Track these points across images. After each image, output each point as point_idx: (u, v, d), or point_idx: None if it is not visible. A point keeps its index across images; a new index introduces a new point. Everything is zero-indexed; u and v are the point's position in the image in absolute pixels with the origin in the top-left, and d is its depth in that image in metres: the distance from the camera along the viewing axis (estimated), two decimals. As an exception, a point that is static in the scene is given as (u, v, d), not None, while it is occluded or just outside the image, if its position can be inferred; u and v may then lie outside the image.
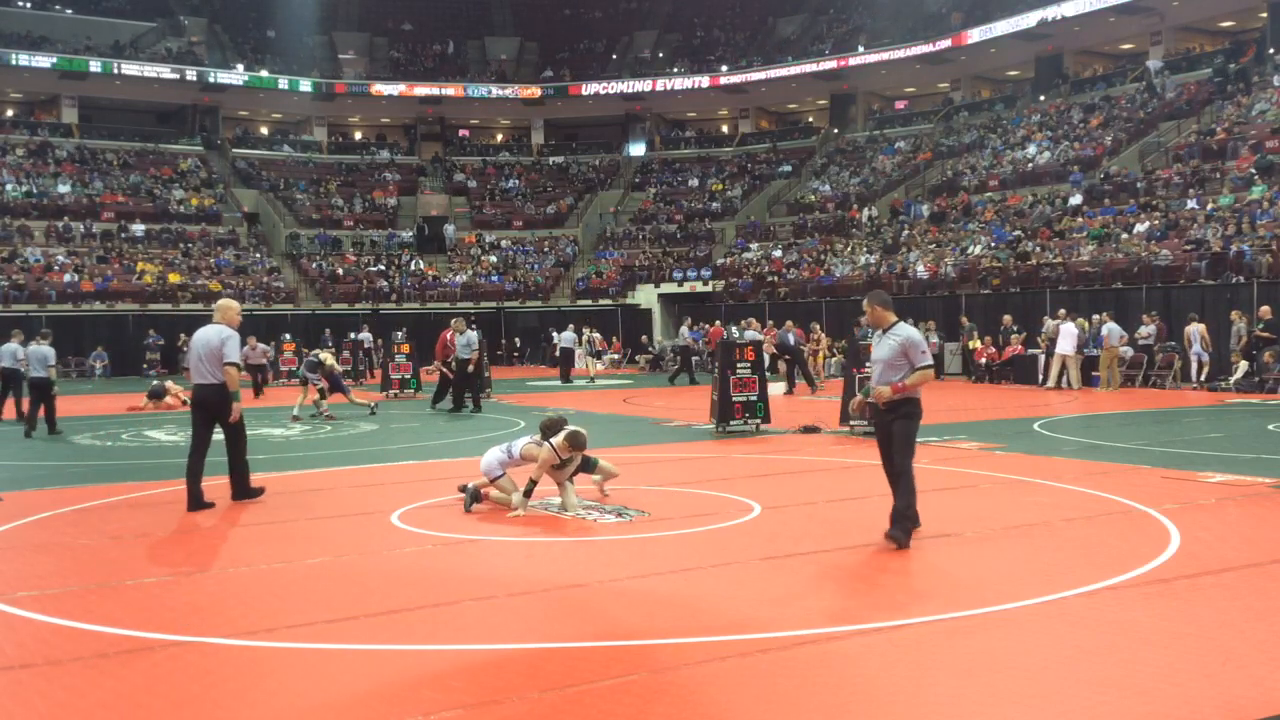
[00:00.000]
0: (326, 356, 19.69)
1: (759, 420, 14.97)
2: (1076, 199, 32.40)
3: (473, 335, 19.51)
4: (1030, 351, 24.57)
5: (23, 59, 43.63)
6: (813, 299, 34.41)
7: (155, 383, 23.10)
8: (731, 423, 14.85)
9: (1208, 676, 4.61)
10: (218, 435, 9.64)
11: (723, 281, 39.57)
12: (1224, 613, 5.58)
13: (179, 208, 43.59)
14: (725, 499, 9.30)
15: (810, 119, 52.90)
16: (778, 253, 40.03)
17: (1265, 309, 21.25)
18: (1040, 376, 23.27)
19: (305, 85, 48.99)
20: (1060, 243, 29.77)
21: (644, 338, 38.66)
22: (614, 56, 53.68)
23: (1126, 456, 11.69)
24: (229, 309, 9.77)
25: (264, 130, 52.43)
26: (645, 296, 41.23)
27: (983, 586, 6.25)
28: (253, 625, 5.64)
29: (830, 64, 46.65)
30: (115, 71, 45.02)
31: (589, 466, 9.49)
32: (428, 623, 5.73)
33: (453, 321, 20.63)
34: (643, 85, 50.31)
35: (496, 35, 55.82)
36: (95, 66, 44.62)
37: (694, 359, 29.48)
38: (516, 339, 41.25)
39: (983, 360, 25.52)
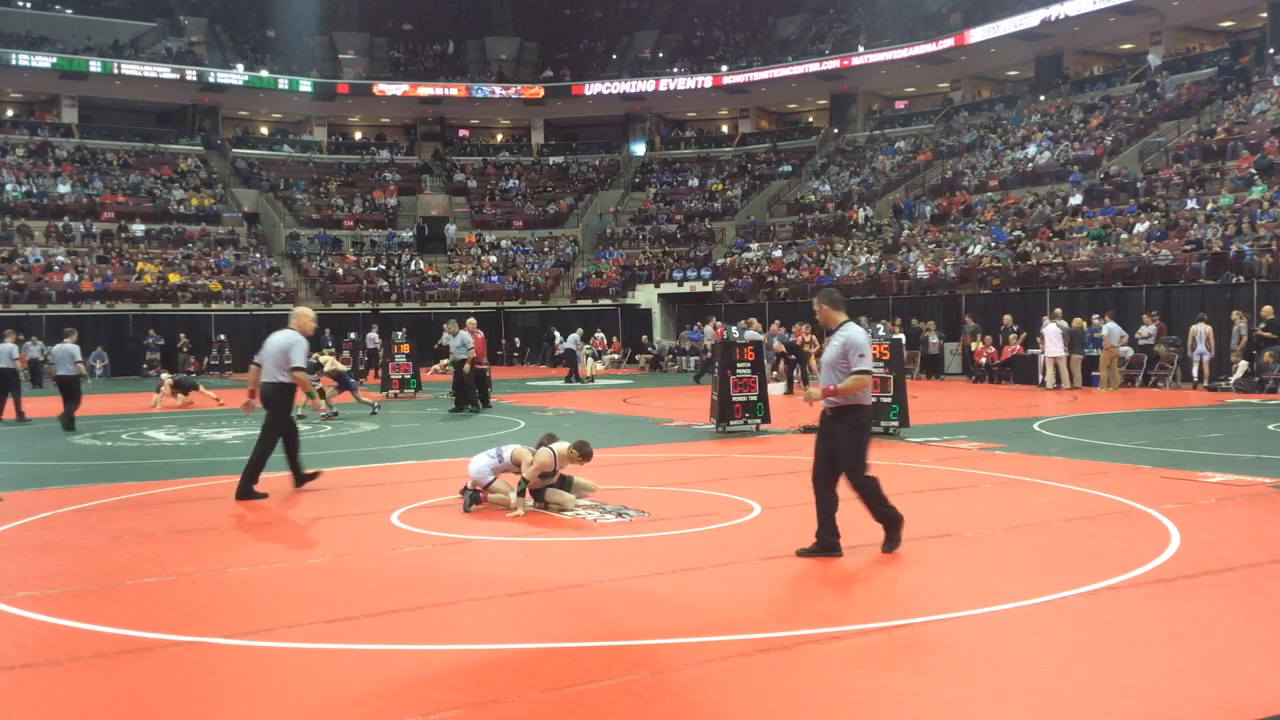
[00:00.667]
0: (327, 358, 19.67)
1: (759, 420, 14.97)
2: (1076, 199, 32.39)
3: (466, 335, 19.51)
4: (1030, 351, 24.58)
5: (23, 59, 43.63)
6: (812, 299, 34.36)
7: (182, 376, 23.23)
8: (731, 423, 14.85)
9: (1208, 676, 4.61)
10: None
11: (723, 281, 39.56)
12: (1224, 613, 5.58)
13: (179, 208, 43.59)
14: (725, 499, 9.30)
15: (810, 119, 52.91)
16: (778, 253, 40.03)
17: (1267, 309, 21.26)
18: (1040, 377, 23.27)
19: (305, 85, 49.00)
20: (1060, 243, 29.77)
21: (644, 338, 38.67)
22: (614, 56, 53.68)
23: (1126, 456, 11.69)
24: (303, 316, 10.30)
25: (264, 130, 52.43)
26: (645, 296, 41.22)
27: (983, 586, 6.25)
28: (253, 625, 5.64)
29: (831, 64, 46.65)
30: (115, 71, 45.02)
31: (565, 486, 9.10)
32: (428, 623, 5.73)
33: (446, 324, 20.66)
34: (646, 85, 50.30)
35: (496, 35, 55.83)
36: (95, 66, 44.63)
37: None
38: (516, 339, 41.25)
39: (983, 360, 25.53)
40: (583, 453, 8.91)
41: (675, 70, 51.08)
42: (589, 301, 41.91)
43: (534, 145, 53.47)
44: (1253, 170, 28.29)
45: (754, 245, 41.68)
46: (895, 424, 14.19)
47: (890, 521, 7.17)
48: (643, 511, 8.76)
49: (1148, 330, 23.01)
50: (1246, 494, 9.20)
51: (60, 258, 38.68)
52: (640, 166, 51.32)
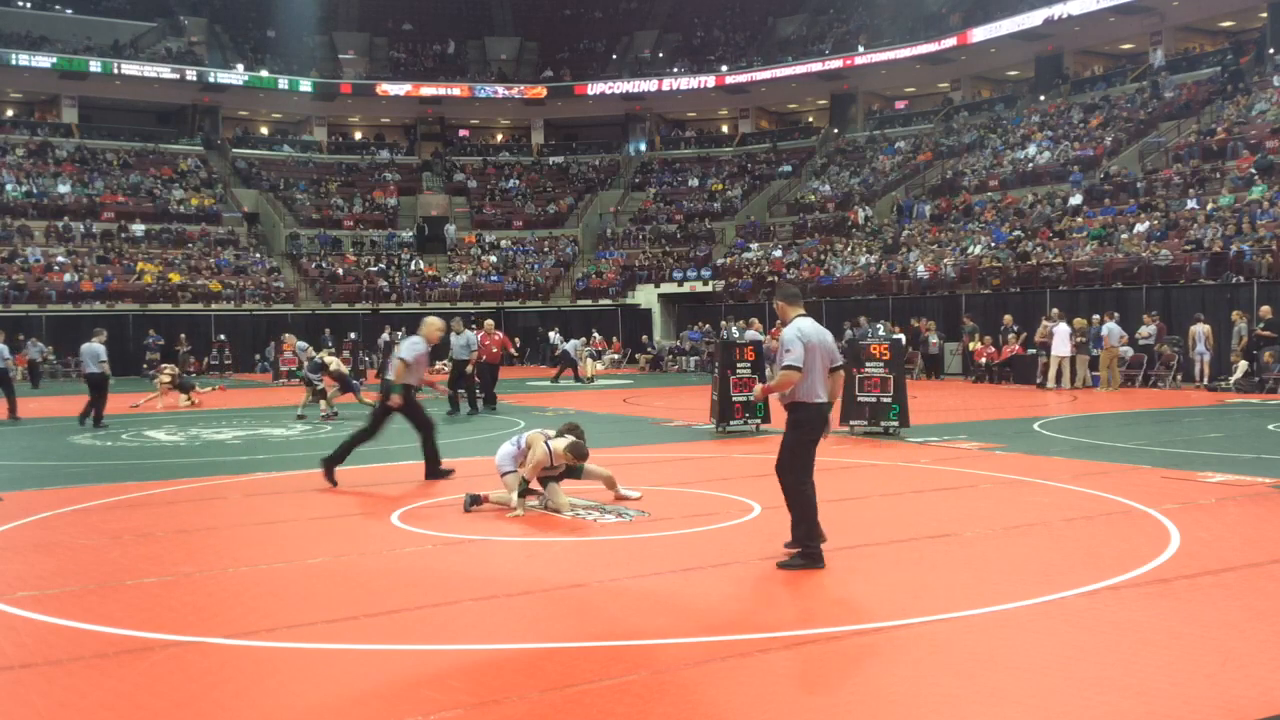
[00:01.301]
0: (331, 359, 19.63)
1: (759, 420, 14.97)
2: (1076, 199, 32.39)
3: (471, 336, 19.46)
4: (1030, 351, 24.58)
5: (23, 59, 43.63)
6: (813, 299, 34.40)
7: (184, 377, 23.41)
8: (731, 423, 14.85)
9: (1208, 676, 4.62)
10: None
11: (723, 281, 39.56)
12: (1224, 613, 5.58)
13: (179, 208, 43.58)
14: (725, 499, 9.30)
15: (810, 119, 52.90)
16: (778, 253, 40.02)
17: (1265, 309, 21.26)
18: (1039, 377, 23.26)
19: (305, 85, 49.00)
20: (1060, 243, 29.78)
21: (644, 338, 38.66)
22: (614, 56, 53.68)
23: (1126, 456, 11.69)
24: (429, 324, 11.14)
25: (264, 130, 52.42)
26: (645, 296, 41.22)
27: (983, 586, 6.25)
28: (253, 625, 5.64)
29: (832, 64, 46.64)
30: (115, 71, 45.01)
31: (576, 472, 9.17)
32: (428, 623, 5.73)
33: (452, 322, 20.58)
34: (648, 85, 50.29)
35: (496, 35, 55.82)
36: (95, 66, 44.63)
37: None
38: (516, 339, 41.22)
39: (982, 360, 25.53)
40: (575, 454, 8.92)
41: (676, 70, 51.08)
42: (589, 301, 41.90)
43: (534, 145, 53.47)
44: (1253, 170, 28.29)
45: (754, 245, 41.68)
46: (895, 424, 14.19)
47: (802, 541, 6.76)
48: (643, 511, 8.76)
49: (1148, 330, 23.01)
50: (1246, 494, 9.20)
51: (60, 258, 38.68)
52: (640, 166, 51.33)
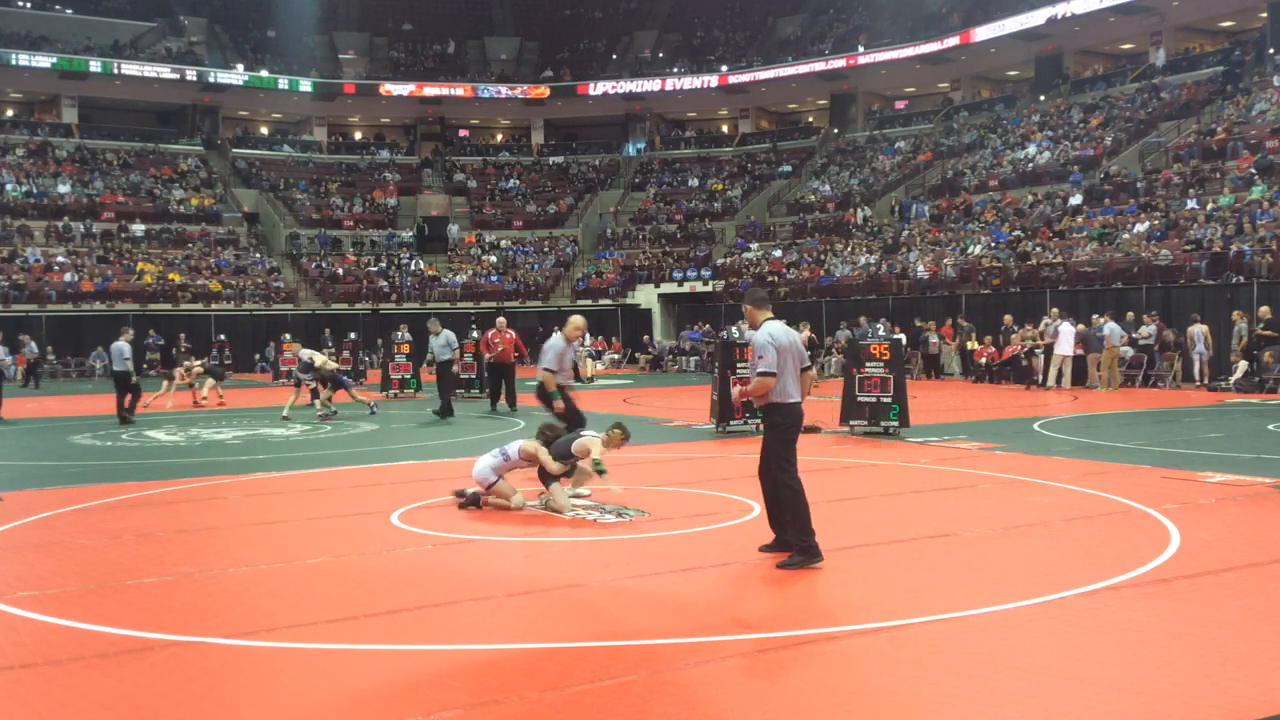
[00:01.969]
0: (319, 358, 19.54)
1: (759, 420, 14.93)
2: (1076, 199, 32.40)
3: (450, 335, 19.03)
4: (1032, 348, 24.54)
5: (23, 59, 43.63)
6: (813, 299, 34.43)
7: (214, 364, 23.89)
8: (731, 423, 14.85)
9: (1208, 676, 4.62)
10: None
11: (723, 281, 39.57)
12: (1224, 613, 5.58)
13: (179, 208, 43.59)
14: (725, 499, 9.30)
15: (810, 119, 52.90)
16: (778, 253, 40.04)
17: (1265, 309, 21.26)
18: (1040, 377, 23.25)
19: (305, 85, 49.01)
20: (1060, 243, 29.78)
21: (644, 337, 38.66)
22: (614, 56, 53.68)
23: (1126, 456, 11.69)
24: (570, 322, 11.22)
25: (264, 130, 52.43)
26: (645, 296, 41.23)
27: (983, 586, 6.25)
28: (253, 625, 5.64)
29: (835, 63, 46.63)
30: (115, 71, 45.02)
31: (570, 471, 9.23)
32: (428, 623, 5.73)
33: (429, 322, 20.18)
34: (651, 85, 50.30)
35: (496, 35, 55.83)
36: (95, 66, 44.63)
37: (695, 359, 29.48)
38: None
39: (982, 360, 25.53)
40: (623, 434, 9.07)
41: (676, 70, 51.09)
42: (589, 301, 41.88)
43: (534, 145, 53.48)
44: (1253, 170, 28.29)
45: (754, 245, 41.69)
46: (895, 424, 14.19)
47: (797, 539, 6.76)
48: (643, 511, 8.76)
49: (1148, 330, 23.01)
50: (1246, 494, 9.20)
51: (60, 258, 38.68)
52: (640, 166, 51.33)
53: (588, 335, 35.28)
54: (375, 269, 42.72)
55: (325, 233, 44.62)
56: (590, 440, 9.00)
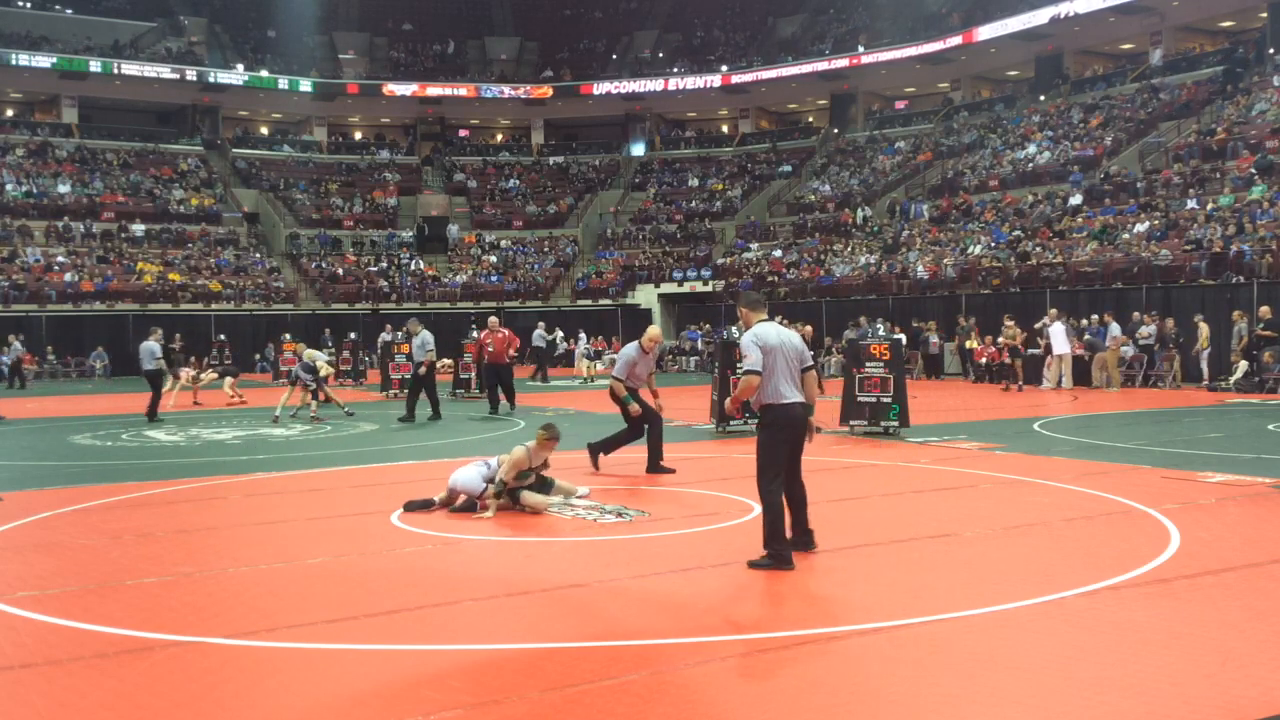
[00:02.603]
0: (321, 362, 19.42)
1: (756, 421, 14.93)
2: (1076, 199, 32.40)
3: (428, 336, 18.30)
4: (1030, 351, 24.57)
5: (23, 59, 43.63)
6: (813, 299, 34.42)
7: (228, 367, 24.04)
8: (731, 423, 14.85)
9: (1208, 676, 4.61)
10: None
11: (723, 281, 39.57)
12: (1224, 613, 5.58)
13: (179, 208, 43.59)
14: (725, 499, 9.30)
15: (810, 119, 52.90)
16: (778, 253, 40.03)
17: (1265, 309, 21.26)
18: (1043, 377, 23.24)
19: (305, 85, 49.01)
20: (1060, 243, 29.77)
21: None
22: (614, 56, 53.68)
23: (1126, 456, 11.69)
24: (646, 333, 11.85)
25: (264, 130, 52.42)
26: (645, 296, 41.22)
27: (983, 586, 6.24)
28: (253, 625, 5.64)
29: (837, 62, 46.62)
30: (115, 71, 45.02)
31: (545, 488, 9.08)
32: (428, 623, 5.73)
33: (408, 323, 19.59)
34: (654, 85, 50.29)
35: (496, 35, 55.83)
36: (95, 66, 44.63)
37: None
38: (517, 339, 41.20)
39: (982, 360, 25.51)
40: (550, 434, 8.88)
41: (676, 70, 51.09)
42: (589, 301, 41.90)
43: (534, 145, 53.48)
44: (1253, 170, 28.29)
45: (754, 245, 41.68)
46: (895, 424, 14.19)
47: (766, 542, 6.73)
48: (643, 511, 8.76)
49: (1148, 330, 23.01)
50: (1246, 494, 9.20)
51: (60, 258, 38.69)
52: (640, 166, 51.33)
53: (585, 335, 35.36)
54: (375, 269, 42.72)
55: (325, 233, 44.63)
56: (518, 450, 8.86)
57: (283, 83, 48.60)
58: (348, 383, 28.00)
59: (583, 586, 6.40)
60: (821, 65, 46.99)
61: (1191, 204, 28.51)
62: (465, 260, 44.79)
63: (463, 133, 54.60)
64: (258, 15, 52.47)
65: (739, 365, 7.27)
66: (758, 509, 8.72)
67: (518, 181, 50.55)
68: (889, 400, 14.24)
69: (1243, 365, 21.17)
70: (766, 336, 6.93)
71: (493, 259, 44.80)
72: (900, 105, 49.92)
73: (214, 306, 37.88)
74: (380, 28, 54.69)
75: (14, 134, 44.98)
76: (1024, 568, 6.70)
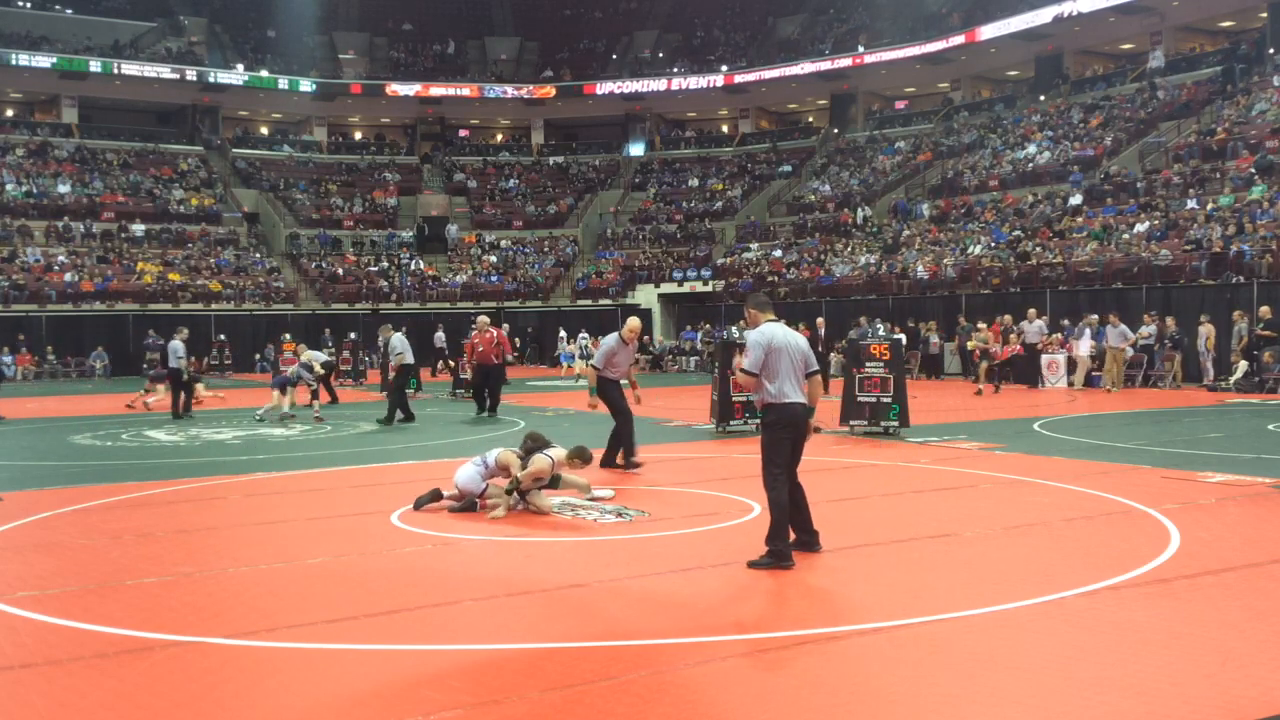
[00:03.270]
0: (318, 364, 19.32)
1: (759, 420, 14.93)
2: (1076, 199, 32.40)
3: (400, 338, 18.16)
4: (1057, 354, 24.49)
5: (23, 59, 43.63)
6: (813, 299, 34.42)
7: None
8: (731, 423, 14.85)
9: (1208, 676, 4.61)
10: None
11: (723, 281, 39.57)
12: (1224, 613, 5.58)
13: (179, 208, 43.59)
14: (725, 499, 9.30)
15: (810, 119, 52.90)
16: (778, 253, 40.03)
17: (1265, 309, 21.26)
18: (1068, 377, 23.18)
19: (305, 85, 49.01)
20: (1060, 242, 29.77)
21: (645, 338, 38.63)
22: (614, 56, 53.69)
23: (1126, 456, 11.69)
24: (627, 324, 11.93)
25: (264, 130, 52.42)
26: (645, 296, 41.21)
27: (983, 586, 6.24)
28: (253, 625, 5.64)
29: (840, 62, 46.60)
30: (115, 71, 45.02)
31: (553, 482, 9.18)
32: (428, 623, 5.73)
33: (381, 328, 19.40)
34: (657, 85, 50.28)
35: (496, 35, 55.83)
36: (95, 66, 44.63)
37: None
38: (516, 339, 41.22)
39: (996, 362, 25.42)
40: (583, 459, 8.95)
41: (676, 70, 51.09)
42: (589, 301, 41.90)
43: (534, 145, 53.48)
44: (1252, 170, 28.30)
45: (754, 245, 41.68)
46: (895, 424, 14.19)
47: (768, 540, 6.79)
48: (643, 511, 8.76)
49: (1148, 330, 23.01)
50: (1246, 494, 9.20)
51: (60, 258, 38.69)
52: (640, 166, 51.33)
53: (586, 334, 35.33)
54: (375, 269, 42.72)
55: (325, 233, 44.63)
56: (509, 454, 8.87)
57: (283, 83, 48.60)
58: (348, 383, 28.00)
59: (583, 586, 6.40)
60: (822, 65, 46.99)
61: (1191, 204, 28.52)
62: (465, 260, 44.80)
63: (463, 133, 54.60)
64: (258, 15, 52.47)
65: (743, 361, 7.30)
66: (758, 509, 8.75)
67: (518, 181, 50.55)
68: (889, 400, 14.24)
69: (1243, 365, 21.17)
70: (771, 336, 7.03)
71: (493, 259, 44.80)
72: (900, 105, 49.92)
73: (214, 307, 37.88)
74: (380, 28, 54.70)
75: (14, 134, 44.98)
76: (1024, 568, 6.70)
